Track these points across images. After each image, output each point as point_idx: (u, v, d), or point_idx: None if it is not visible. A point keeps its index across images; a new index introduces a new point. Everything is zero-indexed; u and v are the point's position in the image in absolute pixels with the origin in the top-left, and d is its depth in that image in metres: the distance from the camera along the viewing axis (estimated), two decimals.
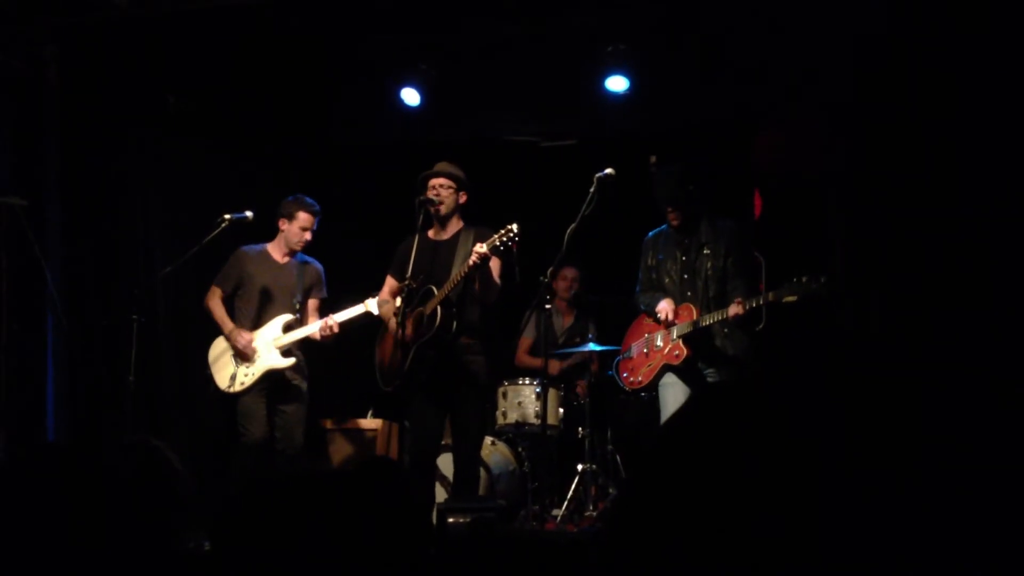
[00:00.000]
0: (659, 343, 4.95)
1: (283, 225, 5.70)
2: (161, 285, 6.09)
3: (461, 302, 4.98)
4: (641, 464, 0.96)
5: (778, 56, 5.94)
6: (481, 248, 4.69)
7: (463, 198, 5.19)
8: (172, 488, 1.85)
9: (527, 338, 6.95)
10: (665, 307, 4.90)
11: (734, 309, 4.57)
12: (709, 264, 4.83)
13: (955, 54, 5.35)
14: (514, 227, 4.68)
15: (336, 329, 5.51)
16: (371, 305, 5.43)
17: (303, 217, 5.67)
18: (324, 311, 5.74)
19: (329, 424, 6.51)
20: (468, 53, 6.52)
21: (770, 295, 4.47)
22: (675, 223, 4.90)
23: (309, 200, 5.73)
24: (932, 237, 5.45)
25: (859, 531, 0.83)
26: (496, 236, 4.71)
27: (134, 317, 5.38)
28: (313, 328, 5.55)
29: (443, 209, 5.10)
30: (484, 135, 7.17)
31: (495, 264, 4.94)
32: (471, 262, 4.74)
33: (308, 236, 5.70)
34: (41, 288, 5.73)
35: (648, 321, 5.12)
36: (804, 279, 4.33)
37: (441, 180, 5.13)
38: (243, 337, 5.54)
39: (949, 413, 0.90)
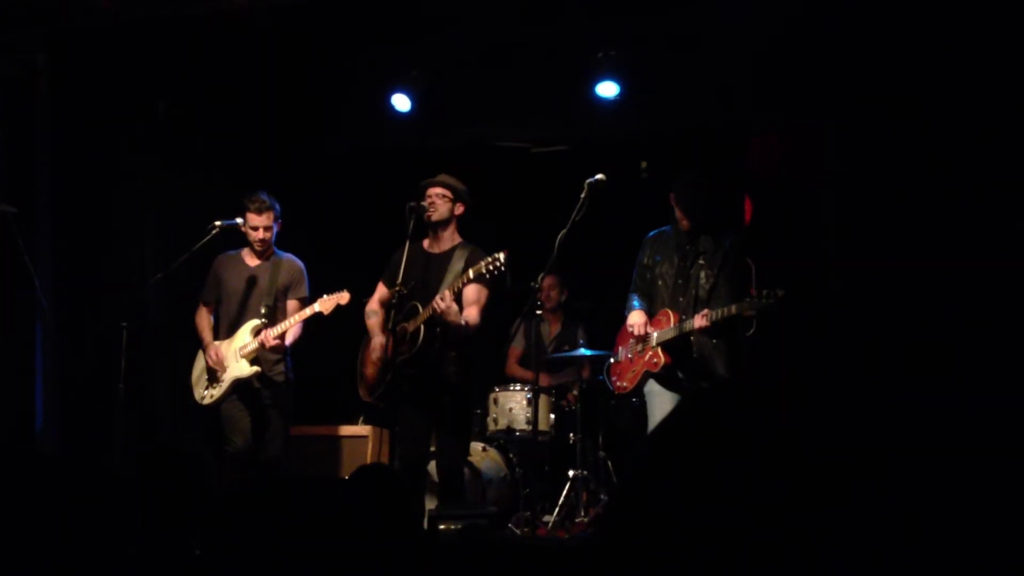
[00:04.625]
0: (641, 349, 4.97)
1: (243, 226, 5.43)
2: (152, 293, 6.06)
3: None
4: (632, 470, 0.96)
5: (769, 62, 5.95)
6: (442, 302, 4.67)
7: (459, 209, 5.14)
8: (196, 488, 1.84)
9: (516, 348, 6.94)
10: (636, 322, 4.92)
11: (699, 322, 4.63)
12: (702, 274, 4.85)
13: (950, 58, 5.38)
14: (501, 257, 4.65)
15: (275, 342, 5.24)
16: (319, 305, 5.24)
17: (248, 218, 5.38)
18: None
19: (319, 431, 6.49)
20: (459, 59, 6.52)
21: (732, 308, 4.59)
22: (684, 222, 4.92)
23: (258, 196, 5.38)
24: (926, 246, 5.47)
25: (850, 534, 0.83)
26: (483, 263, 4.69)
27: (124, 325, 5.34)
28: (264, 334, 5.26)
29: (435, 216, 5.07)
30: (475, 141, 7.16)
31: (478, 291, 4.91)
32: (434, 306, 4.71)
33: (262, 235, 5.37)
34: (31, 296, 5.71)
35: None
36: (763, 293, 4.51)
37: (438, 189, 5.10)
38: (212, 355, 5.37)
39: (941, 422, 0.90)
